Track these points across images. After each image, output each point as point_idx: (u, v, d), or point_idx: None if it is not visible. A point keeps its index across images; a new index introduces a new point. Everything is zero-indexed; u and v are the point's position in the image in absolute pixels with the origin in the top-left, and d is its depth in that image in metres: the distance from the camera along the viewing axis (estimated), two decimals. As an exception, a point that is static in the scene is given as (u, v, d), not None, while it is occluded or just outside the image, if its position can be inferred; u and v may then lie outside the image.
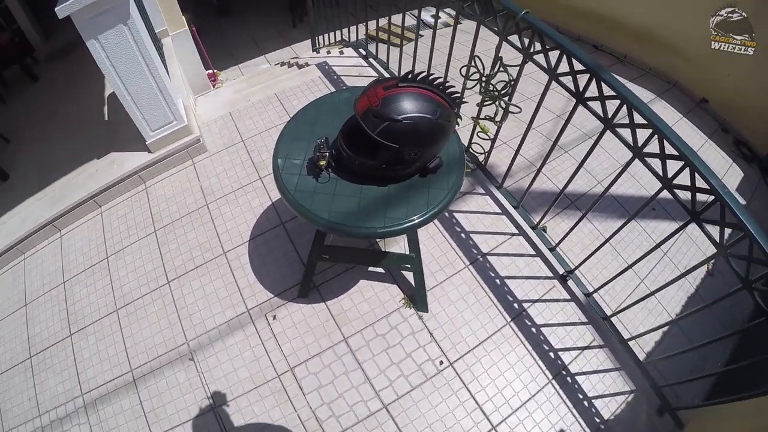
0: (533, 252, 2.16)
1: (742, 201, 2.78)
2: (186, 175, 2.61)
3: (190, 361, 1.93)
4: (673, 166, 1.34)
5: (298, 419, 1.74)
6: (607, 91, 1.44)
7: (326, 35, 3.69)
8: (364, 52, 3.30)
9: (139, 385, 1.91)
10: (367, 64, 3.22)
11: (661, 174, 1.38)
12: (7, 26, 4.08)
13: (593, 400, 1.79)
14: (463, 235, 2.20)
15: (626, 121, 1.41)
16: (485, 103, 2.02)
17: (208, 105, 3.12)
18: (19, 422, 1.95)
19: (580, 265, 1.96)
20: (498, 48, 1.81)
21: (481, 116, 2.11)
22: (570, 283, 2.04)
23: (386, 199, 1.35)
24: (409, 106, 1.17)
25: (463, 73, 2.04)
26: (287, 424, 1.73)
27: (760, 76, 3.04)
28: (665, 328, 1.98)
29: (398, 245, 2.16)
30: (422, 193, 1.37)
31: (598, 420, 1.75)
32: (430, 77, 1.23)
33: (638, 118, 1.37)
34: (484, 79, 1.93)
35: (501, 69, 1.84)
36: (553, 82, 1.64)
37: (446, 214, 2.27)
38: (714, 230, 1.29)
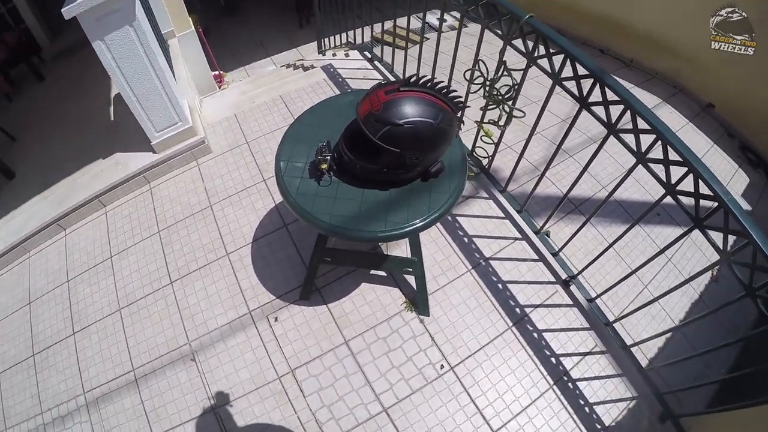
0: (536, 257, 2.15)
1: (747, 207, 2.77)
2: (190, 176, 2.63)
3: (191, 362, 1.94)
4: (676, 171, 1.33)
5: (298, 421, 1.74)
6: (611, 96, 1.43)
7: (332, 37, 3.70)
8: (369, 55, 3.30)
9: (141, 385, 1.92)
10: (372, 67, 3.23)
11: (664, 180, 1.37)
12: (15, 25, 4.11)
13: (594, 406, 1.78)
14: (465, 239, 2.20)
15: (630, 126, 1.40)
16: (489, 107, 2.02)
17: (213, 106, 3.14)
18: (21, 419, 1.97)
19: (582, 270, 1.95)
20: (502, 52, 1.81)
21: (485, 120, 2.11)
22: (572, 288, 2.04)
23: (387, 203, 1.35)
24: (410, 111, 1.17)
25: (467, 77, 2.03)
26: (287, 425, 1.74)
27: (766, 81, 3.01)
28: (668, 335, 1.96)
29: (400, 248, 2.16)
30: (424, 197, 1.37)
31: (599, 426, 1.74)
32: (432, 81, 1.23)
33: (642, 124, 1.36)
34: (488, 83, 1.93)
35: (505, 73, 1.84)
36: (558, 86, 1.64)
37: (449, 218, 2.27)
38: (718, 237, 1.28)
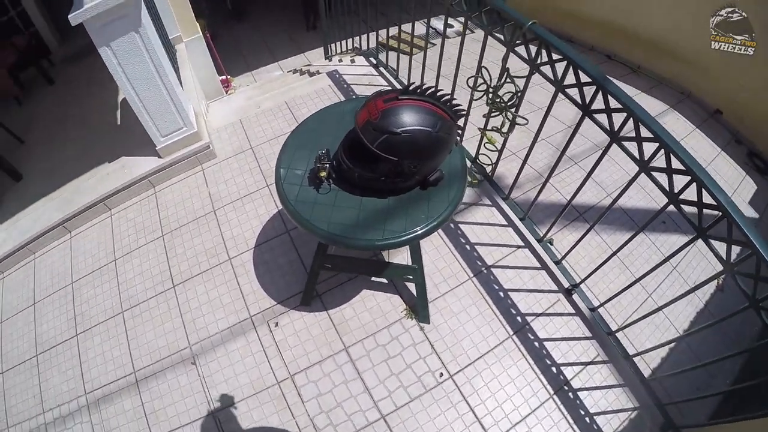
0: (538, 265, 2.14)
1: (754, 214, 2.74)
2: (195, 181, 2.64)
3: (192, 365, 1.95)
4: (680, 180, 1.31)
5: (296, 426, 1.74)
6: (614, 103, 1.42)
7: (339, 43, 3.72)
8: (375, 61, 3.31)
9: (142, 387, 1.93)
10: (377, 73, 3.23)
11: (667, 188, 1.36)
12: (25, 29, 4.16)
13: (595, 417, 1.76)
14: (467, 247, 2.19)
15: (633, 134, 1.38)
16: (492, 114, 2.01)
17: (219, 111, 3.16)
18: (23, 418, 1.99)
19: (585, 278, 1.93)
20: (505, 59, 1.80)
21: (488, 127, 2.10)
22: (575, 297, 2.02)
23: (386, 212, 1.35)
24: (408, 119, 1.17)
25: (470, 84, 2.03)
26: (285, 431, 1.73)
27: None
28: (672, 344, 1.94)
29: (402, 256, 2.16)
30: (422, 205, 1.36)
31: (599, 437, 1.72)
32: (431, 90, 1.23)
33: (645, 132, 1.35)
34: (491, 90, 1.92)
35: (508, 80, 1.83)
36: (561, 93, 1.63)
37: (451, 225, 2.26)
38: (722, 246, 1.26)
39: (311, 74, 3.39)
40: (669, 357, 1.97)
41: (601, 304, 1.88)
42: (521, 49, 1.69)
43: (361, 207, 1.36)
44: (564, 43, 1.51)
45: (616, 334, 1.87)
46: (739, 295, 1.24)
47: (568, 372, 1.85)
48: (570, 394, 1.80)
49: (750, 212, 2.75)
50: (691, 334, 1.63)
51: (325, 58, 3.81)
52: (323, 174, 1.36)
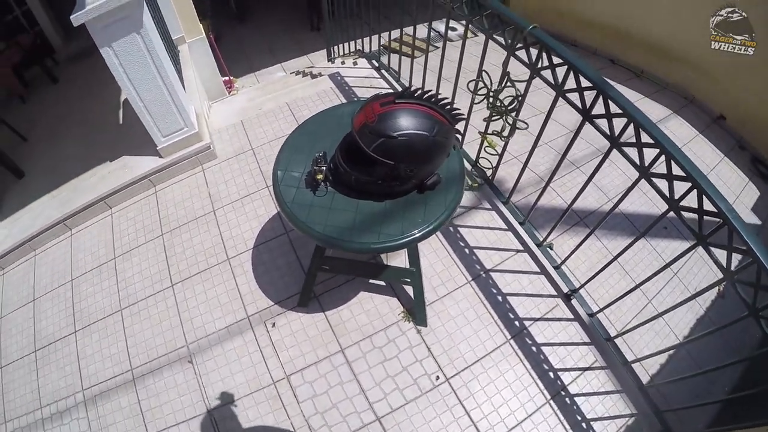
0: (537, 269, 2.13)
1: (757, 221, 2.72)
2: (195, 181, 2.65)
3: (188, 364, 1.95)
4: (681, 187, 1.30)
5: (292, 427, 1.74)
6: (615, 108, 1.41)
7: (342, 45, 3.72)
8: (377, 64, 3.31)
9: (138, 384, 1.94)
10: (379, 76, 3.24)
11: (667, 195, 1.35)
12: (29, 28, 4.19)
13: (592, 423, 1.74)
14: (466, 250, 2.18)
15: (634, 139, 1.38)
16: (493, 118, 2.01)
17: (221, 112, 3.17)
18: (20, 413, 2.01)
19: (585, 284, 1.91)
20: (505, 63, 1.80)
21: (489, 131, 2.09)
22: (574, 302, 2.01)
23: (382, 215, 1.35)
24: (404, 123, 1.17)
25: (471, 88, 2.02)
26: (280, 431, 1.73)
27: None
28: (671, 351, 1.92)
29: (400, 258, 2.15)
30: (419, 209, 1.36)
31: (596, 443, 1.71)
32: (429, 93, 1.22)
33: (646, 137, 1.34)
34: (491, 94, 1.92)
35: (508, 84, 1.83)
36: (561, 98, 1.62)
37: (450, 228, 2.25)
38: (723, 254, 1.25)
39: (313, 76, 3.40)
40: (668, 363, 1.95)
41: (600, 310, 1.87)
42: (522, 53, 1.68)
43: (358, 210, 1.36)
44: (565, 47, 1.51)
45: (615, 340, 1.86)
46: (740, 303, 1.23)
47: (566, 377, 1.84)
48: (567, 399, 1.79)
49: (753, 219, 2.73)
50: (690, 341, 1.62)
51: (328, 60, 3.82)
52: (320, 177, 1.36)
